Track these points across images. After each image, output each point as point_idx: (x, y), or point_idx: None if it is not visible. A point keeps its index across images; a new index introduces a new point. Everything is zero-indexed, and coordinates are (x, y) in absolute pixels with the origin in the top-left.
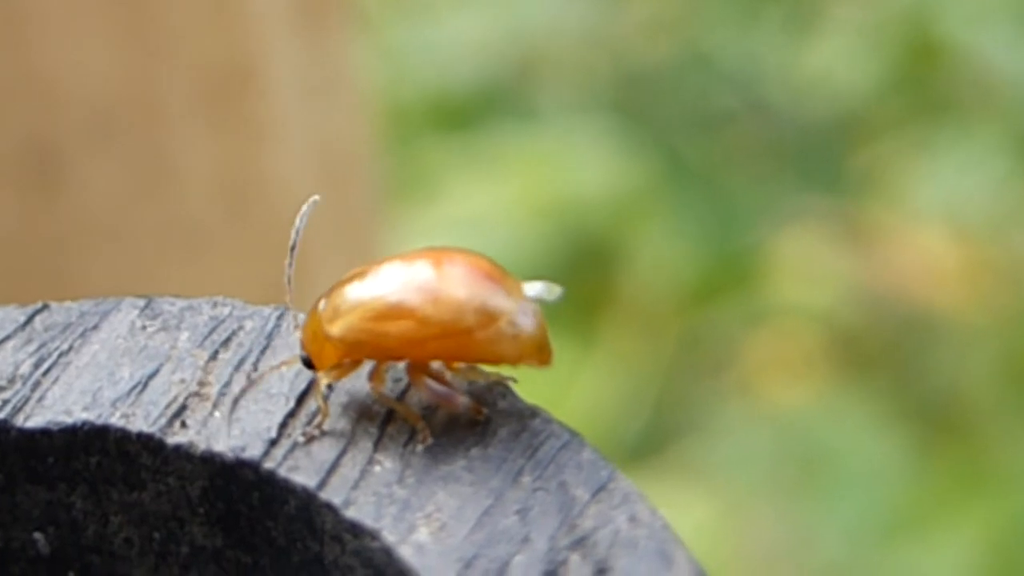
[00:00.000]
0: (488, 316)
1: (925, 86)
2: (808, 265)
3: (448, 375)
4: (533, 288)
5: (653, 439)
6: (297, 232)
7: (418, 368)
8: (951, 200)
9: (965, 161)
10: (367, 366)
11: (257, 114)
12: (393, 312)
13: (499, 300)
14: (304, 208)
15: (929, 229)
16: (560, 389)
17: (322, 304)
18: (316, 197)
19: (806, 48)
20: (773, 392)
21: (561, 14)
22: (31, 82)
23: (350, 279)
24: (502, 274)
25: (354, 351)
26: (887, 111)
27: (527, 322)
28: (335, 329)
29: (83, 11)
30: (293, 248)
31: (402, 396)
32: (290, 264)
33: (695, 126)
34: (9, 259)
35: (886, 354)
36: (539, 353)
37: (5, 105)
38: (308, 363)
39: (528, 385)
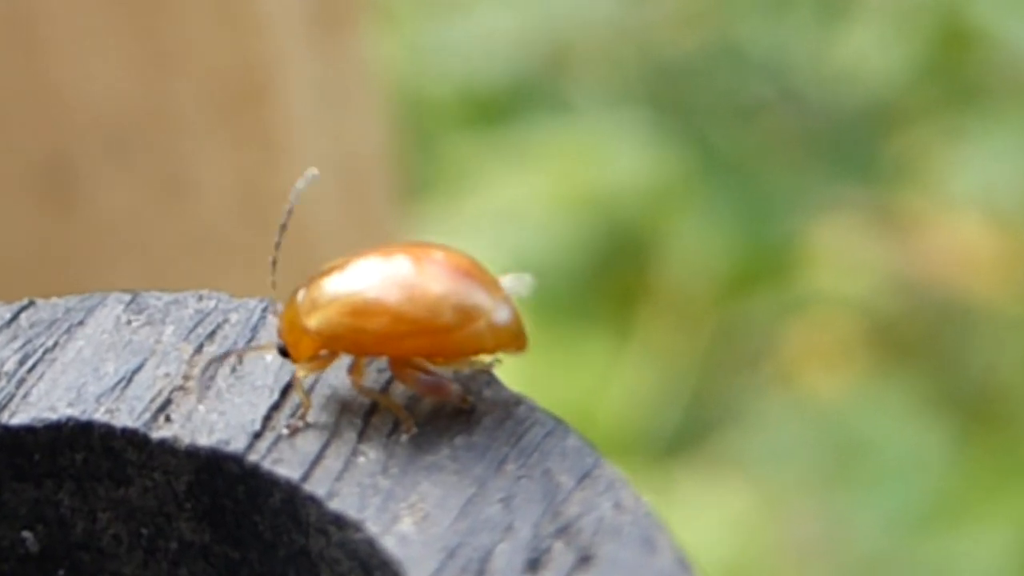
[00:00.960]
0: (465, 315)
1: (957, 73)
2: (843, 254)
3: (431, 365)
4: (506, 281)
5: (690, 431)
6: (289, 211)
7: (400, 362)
8: (986, 187)
9: (999, 148)
10: (346, 359)
11: (273, 124)
12: (370, 308)
13: (477, 298)
14: (300, 183)
15: (964, 216)
16: (597, 382)
17: (301, 294)
18: (315, 171)
19: (837, 36)
20: (810, 382)
21: (591, 5)
22: (47, 97)
23: (329, 271)
24: (480, 271)
25: (331, 344)
26: (920, 98)
27: (504, 317)
28: (312, 322)
29: (98, 26)
30: (283, 227)
31: (386, 387)
32: (277, 245)
33: (727, 116)
34: (27, 273)
35: (923, 343)
36: (515, 341)
37: (22, 120)
38: (284, 352)
39: (564, 378)
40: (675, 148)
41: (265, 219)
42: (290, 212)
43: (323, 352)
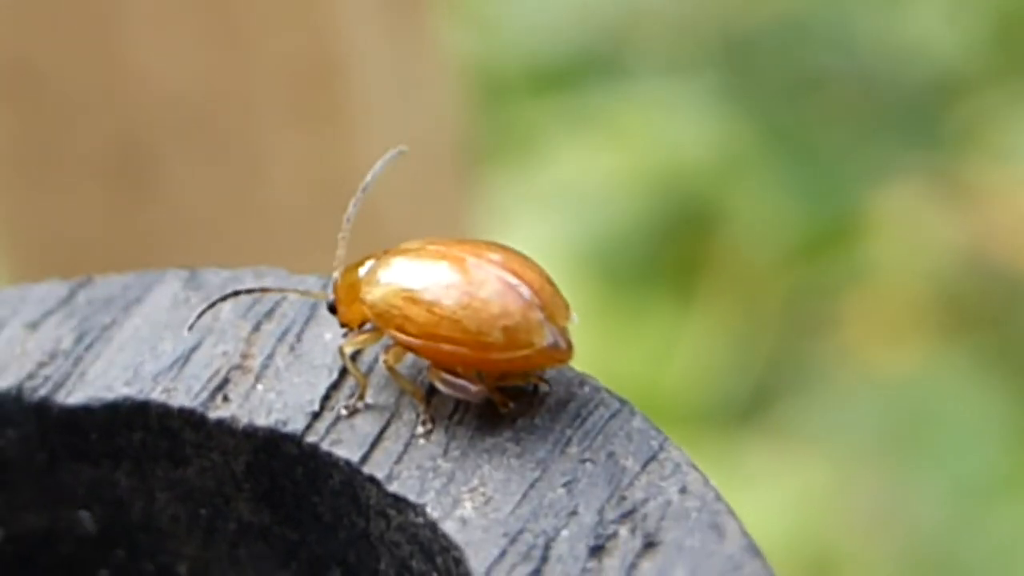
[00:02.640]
0: (513, 339)
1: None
2: (908, 225)
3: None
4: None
5: (754, 402)
6: (373, 175)
7: (436, 363)
8: None
9: None
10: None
11: (346, 107)
12: (425, 302)
13: (530, 327)
14: (388, 155)
15: None
16: (660, 353)
17: (368, 264)
18: (403, 147)
19: (903, 7)
20: (875, 353)
21: None
22: (121, 80)
23: (405, 252)
24: (551, 295)
25: (378, 322)
26: (984, 67)
27: (549, 343)
28: (371, 295)
29: (173, 10)
30: (365, 189)
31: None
32: (355, 204)
33: (793, 87)
34: (100, 256)
35: (988, 313)
36: (560, 361)
37: (95, 104)
38: (332, 308)
39: (628, 349)
40: (740, 119)
41: (337, 200)
42: (374, 176)
43: (368, 326)
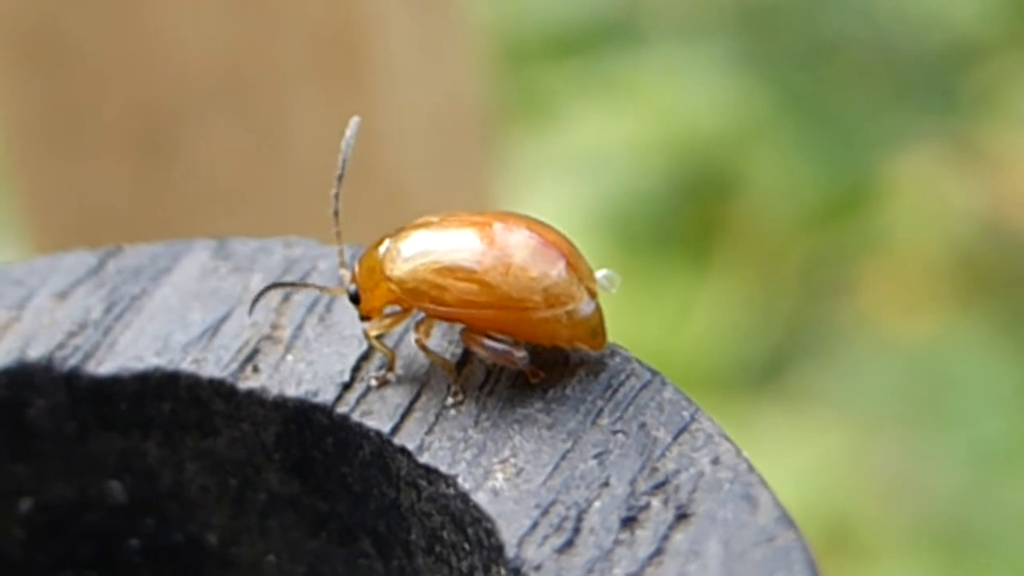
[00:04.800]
0: (554, 299)
1: None
2: (926, 191)
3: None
4: (599, 275)
5: (771, 367)
6: (344, 160)
7: (472, 329)
8: None
9: None
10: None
11: (370, 73)
12: (460, 271)
13: (568, 287)
14: (348, 132)
15: None
16: (678, 317)
17: (386, 244)
18: (358, 118)
19: None
20: (892, 319)
21: None
22: (147, 49)
23: (424, 225)
24: (577, 256)
25: (409, 298)
26: (1002, 34)
27: (587, 311)
28: (397, 272)
29: None
30: (340, 177)
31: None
32: (336, 194)
33: (811, 53)
34: (125, 223)
35: (1005, 279)
36: (592, 339)
37: (121, 72)
38: (354, 298)
39: (645, 314)
40: (758, 84)
41: (361, 169)
42: (345, 160)
43: (393, 308)
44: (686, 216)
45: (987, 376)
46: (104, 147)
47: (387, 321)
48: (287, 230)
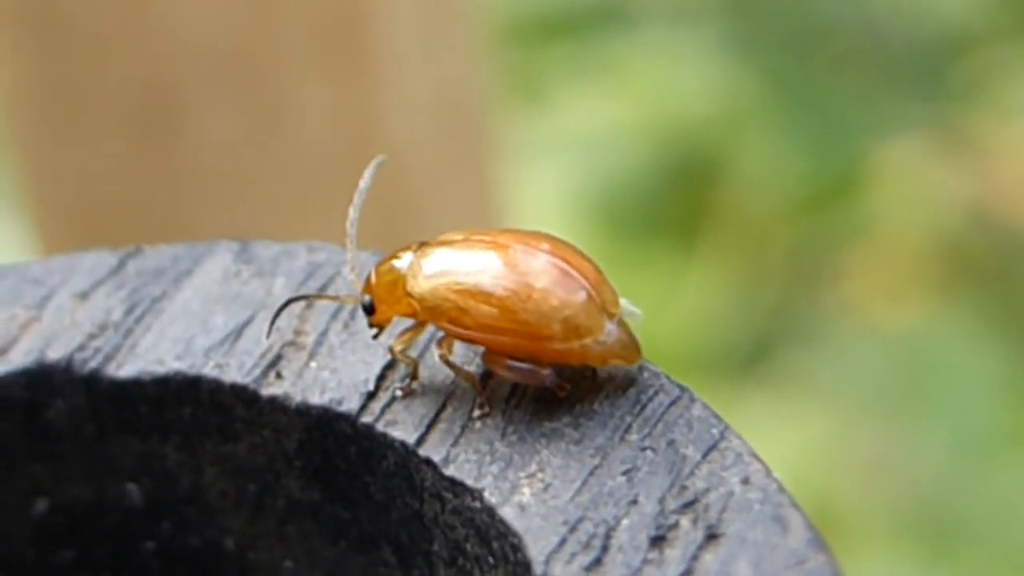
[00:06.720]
0: (571, 331)
1: None
2: (914, 179)
3: None
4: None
5: (756, 353)
6: (361, 193)
7: (492, 351)
8: None
9: None
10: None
11: (372, 53)
12: (480, 293)
13: (587, 319)
14: (370, 168)
15: None
16: (664, 301)
17: (408, 258)
18: (381, 157)
19: None
20: (878, 306)
21: None
22: (148, 26)
23: (451, 242)
24: (601, 282)
25: (428, 315)
26: (993, 25)
27: (610, 340)
28: (419, 289)
29: None
30: (357, 207)
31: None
32: (352, 224)
33: (801, 38)
34: (126, 202)
35: (991, 267)
36: (625, 356)
37: (123, 50)
38: (369, 309)
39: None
40: (747, 69)
41: (364, 148)
42: (362, 194)
43: (408, 322)
44: (673, 200)
45: (971, 364)
46: (105, 125)
47: (408, 335)
48: (288, 210)
